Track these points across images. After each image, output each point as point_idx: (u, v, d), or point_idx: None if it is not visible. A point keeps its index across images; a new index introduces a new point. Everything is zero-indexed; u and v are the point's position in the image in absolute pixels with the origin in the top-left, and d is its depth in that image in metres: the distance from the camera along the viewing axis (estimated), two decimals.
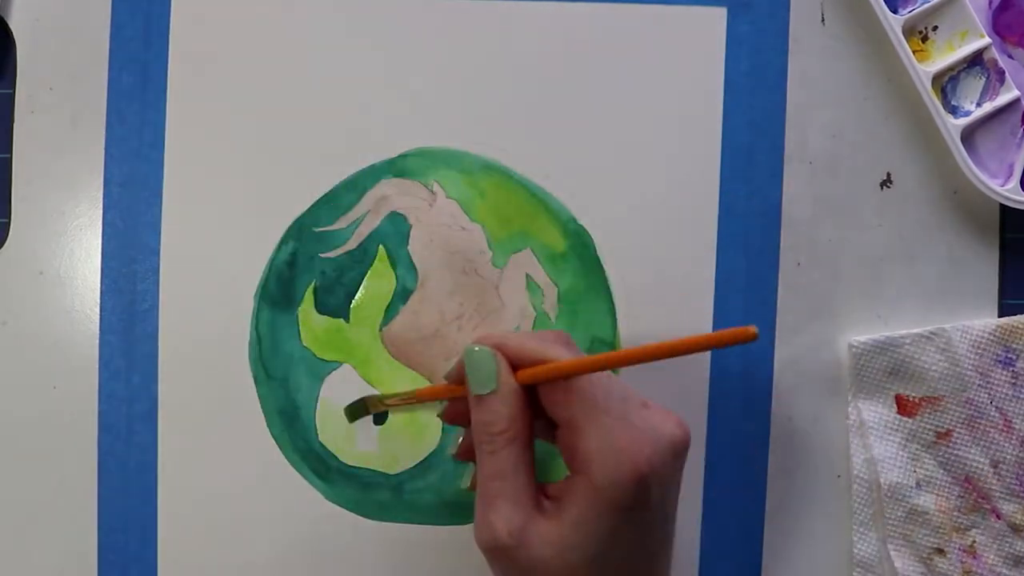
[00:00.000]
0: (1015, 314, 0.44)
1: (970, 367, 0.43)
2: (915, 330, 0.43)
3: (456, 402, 0.39)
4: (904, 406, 0.44)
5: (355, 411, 0.44)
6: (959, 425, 0.43)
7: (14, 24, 0.45)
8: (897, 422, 0.44)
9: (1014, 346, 0.43)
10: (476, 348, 0.35)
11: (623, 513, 0.33)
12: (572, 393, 0.34)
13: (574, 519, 0.33)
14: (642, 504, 0.33)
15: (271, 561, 0.44)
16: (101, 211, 0.45)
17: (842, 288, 0.45)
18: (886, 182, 0.45)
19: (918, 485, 0.43)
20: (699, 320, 0.44)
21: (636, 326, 0.44)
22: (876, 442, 0.43)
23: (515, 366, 0.35)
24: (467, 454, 0.39)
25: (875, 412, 0.44)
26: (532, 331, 0.43)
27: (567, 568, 0.33)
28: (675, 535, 0.36)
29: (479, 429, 0.35)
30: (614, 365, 0.34)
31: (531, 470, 0.35)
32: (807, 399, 0.45)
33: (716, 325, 0.44)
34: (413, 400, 0.42)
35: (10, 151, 0.45)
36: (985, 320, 0.44)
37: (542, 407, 0.36)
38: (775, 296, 0.45)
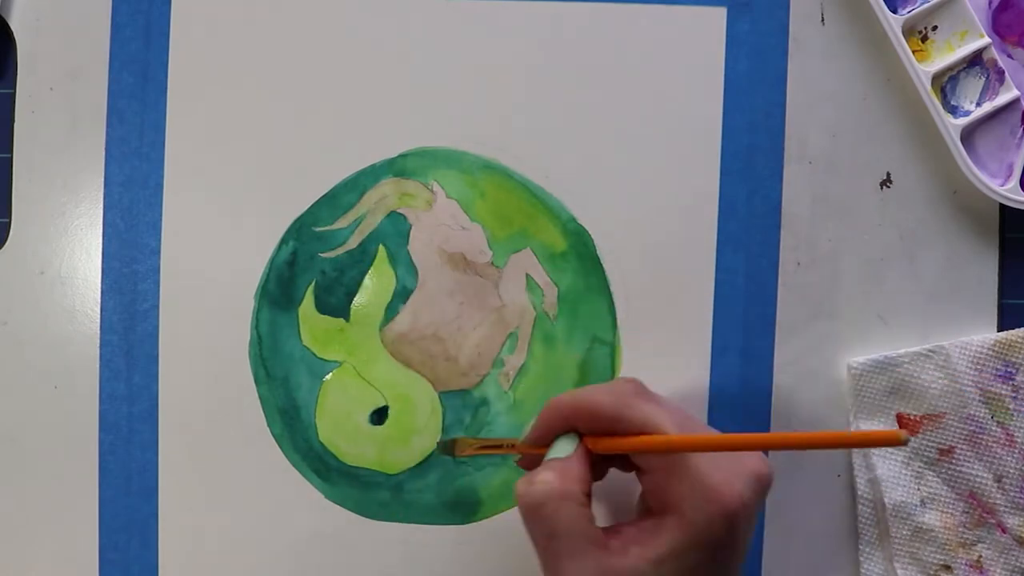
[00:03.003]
0: (1015, 314, 0.44)
1: (970, 383, 0.43)
2: (913, 348, 0.43)
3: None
4: (905, 424, 0.44)
5: (445, 448, 0.43)
6: (961, 441, 0.43)
7: (14, 24, 0.45)
8: None
9: (1013, 360, 0.43)
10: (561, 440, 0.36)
11: (712, 551, 0.33)
12: None
13: (659, 556, 0.33)
14: (731, 540, 0.34)
15: (271, 560, 0.44)
16: (101, 211, 0.45)
17: (842, 288, 0.45)
18: (886, 182, 0.45)
19: (922, 503, 0.43)
20: (699, 320, 0.44)
21: (636, 326, 0.44)
22: (879, 462, 0.43)
23: (592, 428, 0.36)
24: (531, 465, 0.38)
25: None
26: (606, 386, 0.38)
27: None
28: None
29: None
30: (731, 447, 0.34)
31: (592, 519, 0.35)
32: (807, 399, 0.44)
33: (716, 326, 0.44)
34: (498, 451, 0.42)
35: (10, 151, 0.45)
36: (983, 335, 0.44)
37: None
38: (775, 296, 0.45)
